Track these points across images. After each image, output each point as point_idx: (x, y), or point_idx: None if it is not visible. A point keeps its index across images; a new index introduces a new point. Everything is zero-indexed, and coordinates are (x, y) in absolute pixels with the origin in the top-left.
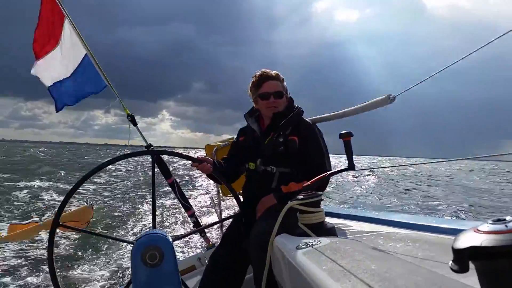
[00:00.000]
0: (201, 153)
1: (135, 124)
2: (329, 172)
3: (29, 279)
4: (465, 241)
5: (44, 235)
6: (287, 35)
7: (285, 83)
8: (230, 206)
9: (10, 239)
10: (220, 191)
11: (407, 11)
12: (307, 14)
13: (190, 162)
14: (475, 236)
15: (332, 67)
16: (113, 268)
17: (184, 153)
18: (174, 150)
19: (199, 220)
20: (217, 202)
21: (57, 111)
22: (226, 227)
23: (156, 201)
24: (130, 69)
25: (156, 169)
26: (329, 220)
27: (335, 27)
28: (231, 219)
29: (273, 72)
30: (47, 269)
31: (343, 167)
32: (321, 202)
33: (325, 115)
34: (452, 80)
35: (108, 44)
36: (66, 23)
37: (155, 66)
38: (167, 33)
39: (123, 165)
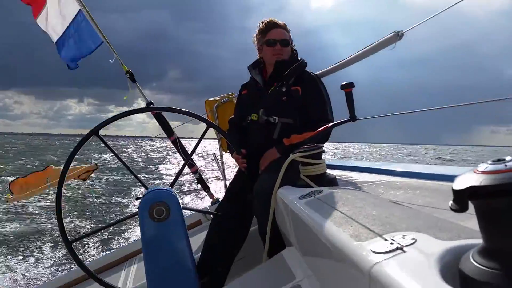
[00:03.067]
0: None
1: (134, 80)
2: (330, 124)
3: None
4: (464, 181)
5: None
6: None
7: (291, 34)
8: (232, 160)
9: (18, 200)
10: (221, 147)
11: None
12: (283, 2)
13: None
14: (474, 176)
15: (309, 55)
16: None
17: (230, 136)
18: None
19: (203, 176)
20: (219, 158)
21: (70, 68)
22: (229, 181)
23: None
24: (102, 57)
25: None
26: (330, 171)
27: (311, 14)
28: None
29: (281, 22)
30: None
31: (344, 119)
32: (323, 155)
33: (329, 67)
34: (420, 67)
35: None
36: None
37: (128, 54)
38: (140, 20)
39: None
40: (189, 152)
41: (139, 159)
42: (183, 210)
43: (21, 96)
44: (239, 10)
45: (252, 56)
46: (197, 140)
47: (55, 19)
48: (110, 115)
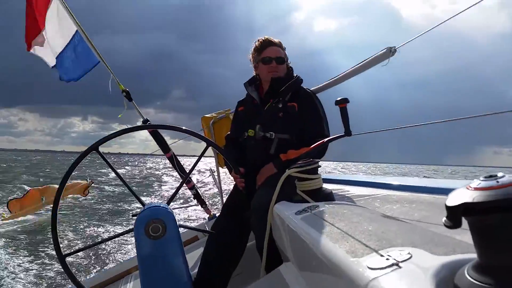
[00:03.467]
0: (184, 161)
1: (130, 99)
2: (326, 139)
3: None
4: (457, 198)
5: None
6: None
7: (286, 52)
8: (229, 176)
9: (13, 218)
10: (218, 162)
11: (383, 20)
12: (286, 24)
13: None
14: (467, 192)
15: (312, 75)
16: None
17: (229, 155)
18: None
19: (199, 192)
20: (216, 173)
21: (62, 80)
22: (226, 197)
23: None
24: (106, 76)
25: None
26: (326, 186)
27: (314, 37)
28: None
29: (276, 40)
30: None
31: (340, 134)
32: (318, 169)
33: (324, 83)
34: (419, 90)
35: None
36: (53, 1)
37: (134, 74)
38: (146, 42)
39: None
40: (187, 170)
41: (137, 175)
42: (179, 228)
43: (26, 113)
44: (243, 31)
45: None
46: (197, 157)
47: (55, 40)
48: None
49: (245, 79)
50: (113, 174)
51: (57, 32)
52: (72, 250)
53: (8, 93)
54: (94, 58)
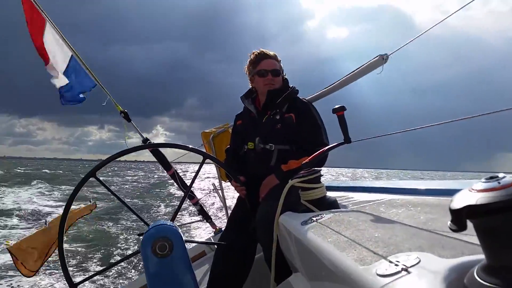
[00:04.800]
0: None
1: (129, 120)
2: (326, 148)
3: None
4: (461, 201)
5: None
6: (279, 51)
7: (281, 64)
8: (232, 189)
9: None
10: (220, 177)
11: (396, 26)
12: (299, 32)
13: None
14: (470, 195)
15: (324, 84)
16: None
17: (227, 166)
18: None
19: (204, 207)
20: (219, 188)
21: (63, 104)
22: (231, 211)
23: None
24: (124, 87)
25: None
26: (330, 194)
27: (327, 44)
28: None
29: (271, 52)
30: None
31: (339, 141)
32: (321, 178)
33: (319, 92)
34: (436, 95)
35: (101, 62)
36: (48, 26)
37: (149, 84)
38: (161, 52)
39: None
40: (188, 184)
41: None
42: (186, 243)
43: (44, 122)
44: (256, 40)
45: None
46: (196, 171)
47: (58, 64)
48: (129, 141)
49: None
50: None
51: (58, 55)
52: (82, 278)
53: (27, 103)
54: (91, 82)
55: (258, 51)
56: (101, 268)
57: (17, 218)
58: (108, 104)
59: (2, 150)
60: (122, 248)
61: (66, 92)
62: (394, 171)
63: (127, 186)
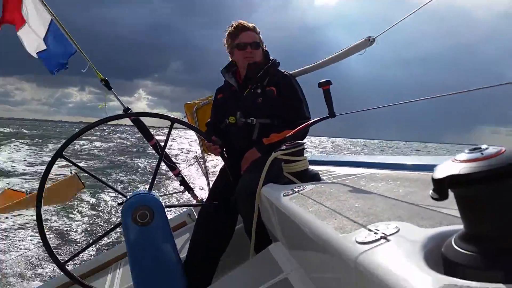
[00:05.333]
0: (181, 134)
1: (109, 88)
2: (310, 121)
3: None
4: (444, 170)
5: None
6: (267, 17)
7: (261, 36)
8: (212, 161)
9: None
10: (203, 149)
11: None
12: None
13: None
14: (453, 165)
15: (312, 51)
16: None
17: (197, 128)
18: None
19: (185, 178)
20: (201, 160)
21: (53, 74)
22: (212, 182)
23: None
24: (105, 48)
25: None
26: (313, 167)
27: (315, 12)
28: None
29: (250, 24)
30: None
31: (324, 116)
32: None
33: (303, 67)
34: (423, 68)
35: (82, 23)
36: None
37: (132, 46)
38: (145, 13)
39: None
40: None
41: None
42: (167, 212)
43: (22, 82)
44: (243, 6)
45: None
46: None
47: (35, 30)
48: (111, 104)
49: None
50: (104, 146)
51: (37, 20)
52: (69, 257)
53: (3, 62)
54: (71, 48)
55: (237, 23)
56: (86, 244)
57: None
58: (88, 70)
59: None
60: (105, 220)
61: (46, 59)
62: (374, 141)
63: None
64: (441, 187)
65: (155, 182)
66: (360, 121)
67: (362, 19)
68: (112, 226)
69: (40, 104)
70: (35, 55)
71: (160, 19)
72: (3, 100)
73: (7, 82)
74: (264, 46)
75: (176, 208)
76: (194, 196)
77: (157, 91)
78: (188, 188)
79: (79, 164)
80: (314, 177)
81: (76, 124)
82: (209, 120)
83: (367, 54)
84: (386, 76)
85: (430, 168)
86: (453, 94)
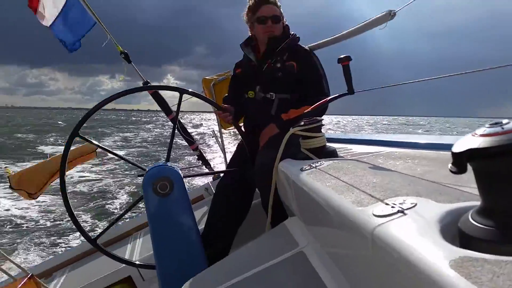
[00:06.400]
0: (207, 116)
1: (129, 61)
2: (329, 98)
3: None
4: (463, 144)
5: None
6: None
7: (282, 10)
8: (230, 136)
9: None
10: (220, 124)
11: None
12: None
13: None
14: (473, 139)
15: (334, 26)
16: None
17: (205, 97)
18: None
19: (203, 153)
20: (218, 135)
21: (70, 52)
22: (230, 157)
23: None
24: (131, 35)
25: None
26: (330, 145)
27: None
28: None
29: None
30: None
31: (342, 92)
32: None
33: (322, 40)
34: (446, 40)
35: (109, 9)
36: None
37: (156, 31)
38: None
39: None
40: (192, 133)
41: None
42: (185, 178)
43: (55, 72)
44: None
45: None
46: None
47: (50, 9)
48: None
49: None
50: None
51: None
52: (99, 233)
53: (36, 53)
54: (91, 19)
55: None
56: (114, 218)
57: None
58: (108, 46)
59: (17, 101)
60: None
61: (61, 32)
62: (399, 118)
63: None
64: (460, 161)
65: (171, 155)
66: (388, 99)
67: None
68: (137, 198)
69: (73, 93)
70: (48, 25)
71: (180, 1)
72: (39, 90)
73: (41, 73)
74: (284, 20)
75: (194, 182)
76: (211, 170)
77: (185, 76)
78: (205, 163)
79: (96, 142)
80: (332, 154)
81: (109, 111)
82: (226, 95)
83: (392, 25)
84: (411, 50)
85: (448, 147)
86: (485, 70)
